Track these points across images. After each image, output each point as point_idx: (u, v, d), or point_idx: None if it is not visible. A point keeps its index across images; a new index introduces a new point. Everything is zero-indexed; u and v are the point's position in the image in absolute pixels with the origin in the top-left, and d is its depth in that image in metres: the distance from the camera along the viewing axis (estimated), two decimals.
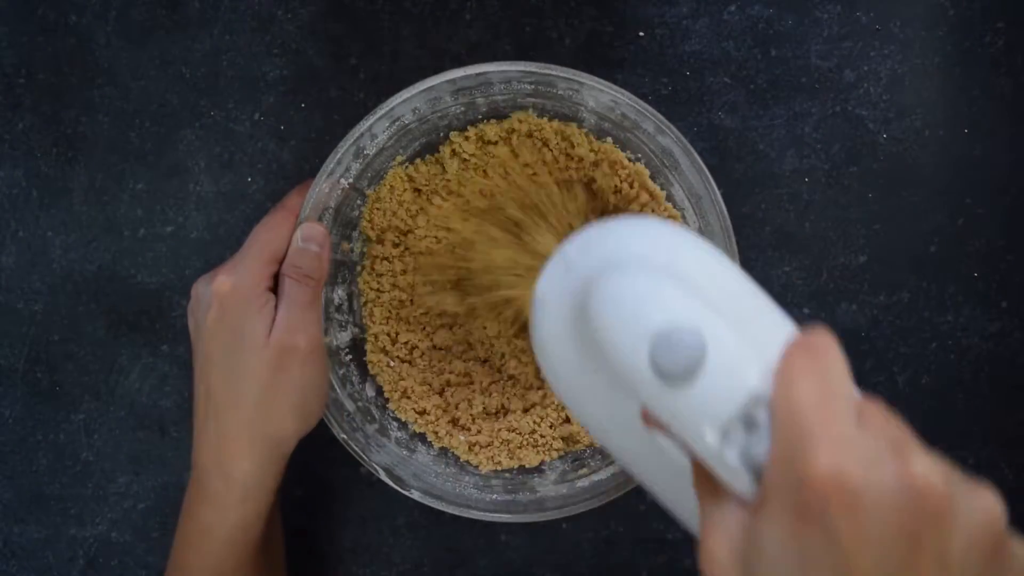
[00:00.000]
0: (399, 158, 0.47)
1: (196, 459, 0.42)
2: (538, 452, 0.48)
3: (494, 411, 0.49)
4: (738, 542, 0.24)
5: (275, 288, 0.43)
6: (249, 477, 0.41)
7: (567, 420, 0.49)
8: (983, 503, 0.22)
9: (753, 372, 0.25)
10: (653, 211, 0.47)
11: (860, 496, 0.21)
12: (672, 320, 0.26)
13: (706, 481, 0.26)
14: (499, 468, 0.48)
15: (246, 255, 0.42)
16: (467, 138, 0.47)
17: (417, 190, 0.48)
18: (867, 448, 0.22)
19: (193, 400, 0.43)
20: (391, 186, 0.48)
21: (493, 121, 0.47)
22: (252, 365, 0.40)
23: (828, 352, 0.25)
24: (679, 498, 0.30)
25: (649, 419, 0.27)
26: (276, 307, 0.42)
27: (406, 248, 0.48)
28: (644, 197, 0.47)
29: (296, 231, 0.43)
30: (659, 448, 0.28)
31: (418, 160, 0.48)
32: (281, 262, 0.43)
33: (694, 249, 0.29)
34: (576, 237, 0.32)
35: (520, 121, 0.47)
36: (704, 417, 0.25)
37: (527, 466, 0.49)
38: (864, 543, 0.21)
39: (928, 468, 0.22)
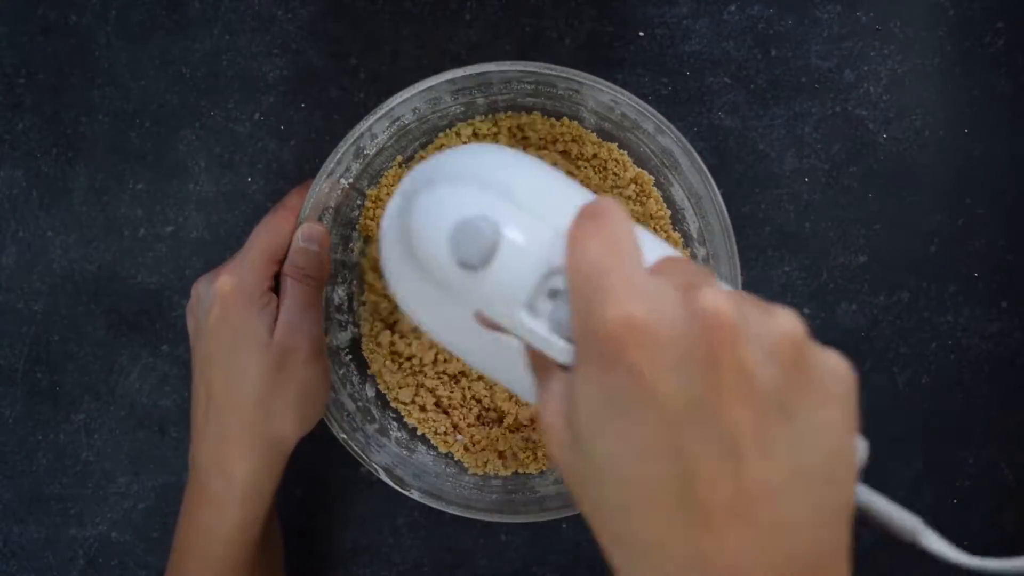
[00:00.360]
0: (399, 158, 0.48)
1: (195, 459, 0.42)
2: (537, 462, 0.48)
3: (489, 421, 0.49)
4: (565, 405, 0.25)
5: (276, 288, 0.43)
6: (249, 478, 0.41)
7: None
8: (778, 319, 0.23)
9: (549, 246, 0.27)
10: (653, 216, 0.47)
11: (650, 332, 0.22)
12: (466, 214, 0.28)
13: (535, 358, 0.28)
14: (495, 473, 0.48)
15: (247, 255, 0.42)
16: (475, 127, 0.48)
17: None
18: (656, 290, 0.23)
19: (192, 400, 0.43)
20: (391, 186, 0.48)
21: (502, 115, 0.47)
22: (254, 365, 0.40)
23: (609, 212, 0.26)
24: (523, 383, 0.32)
25: (482, 320, 0.29)
26: (277, 307, 0.42)
27: None
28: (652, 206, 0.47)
29: (296, 231, 0.43)
30: (496, 342, 0.30)
31: (431, 143, 0.48)
32: (282, 262, 0.43)
33: (500, 159, 0.32)
34: (414, 169, 0.35)
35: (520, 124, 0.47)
36: (509, 295, 0.27)
37: (521, 472, 0.49)
38: (663, 374, 0.22)
39: (715, 297, 0.22)
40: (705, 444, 0.22)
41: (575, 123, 0.47)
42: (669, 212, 0.47)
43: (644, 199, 0.47)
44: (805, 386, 0.22)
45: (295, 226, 0.44)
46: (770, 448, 0.22)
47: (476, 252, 0.27)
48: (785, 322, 0.23)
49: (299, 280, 0.42)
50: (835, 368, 0.23)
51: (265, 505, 0.42)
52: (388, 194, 0.48)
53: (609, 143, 0.47)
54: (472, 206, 0.28)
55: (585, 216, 0.26)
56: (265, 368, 0.40)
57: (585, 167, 0.47)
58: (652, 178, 0.47)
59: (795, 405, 0.22)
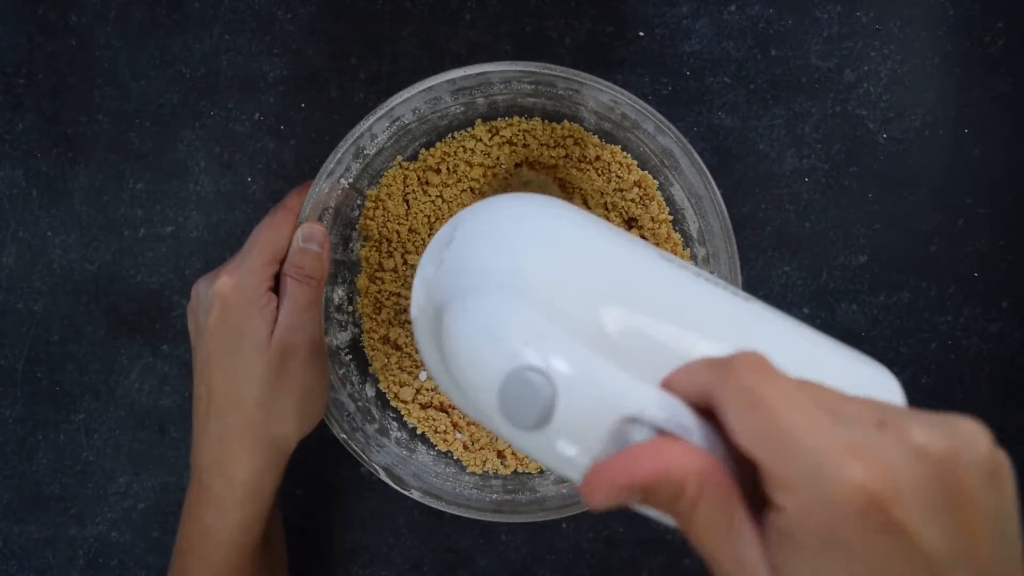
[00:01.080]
0: (399, 158, 0.48)
1: (196, 460, 0.42)
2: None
3: None
4: None
5: (276, 288, 0.43)
6: (250, 478, 0.41)
7: None
8: (969, 431, 0.23)
9: (617, 393, 0.24)
10: (654, 219, 0.47)
11: (898, 487, 0.22)
12: (514, 364, 0.24)
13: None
14: (495, 471, 0.48)
15: (248, 255, 0.42)
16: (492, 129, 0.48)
17: (426, 181, 0.48)
18: (870, 440, 0.22)
19: (193, 400, 0.43)
20: (391, 186, 0.48)
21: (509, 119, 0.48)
22: (254, 365, 0.40)
23: (770, 366, 0.24)
24: (559, 467, 0.28)
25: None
26: (277, 307, 0.42)
27: (405, 248, 0.48)
28: (655, 209, 0.47)
29: (296, 231, 0.43)
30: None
31: (432, 147, 0.48)
32: (282, 262, 0.43)
33: (546, 253, 0.26)
34: (432, 246, 0.30)
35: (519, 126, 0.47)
36: (572, 453, 0.24)
37: (521, 471, 0.49)
38: (923, 525, 0.22)
39: (921, 432, 0.22)
40: None
41: (577, 126, 0.47)
42: (670, 213, 0.47)
43: (648, 202, 0.47)
44: (1006, 490, 0.23)
45: (295, 226, 0.44)
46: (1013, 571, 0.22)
47: (530, 414, 0.23)
48: (980, 436, 0.23)
49: (299, 280, 0.42)
50: (1004, 459, 0.24)
51: (266, 505, 0.42)
52: (388, 195, 0.48)
53: (612, 146, 0.47)
54: (521, 349, 0.24)
55: (748, 371, 0.24)
56: (265, 368, 0.40)
57: (588, 169, 0.47)
58: (656, 181, 0.47)
59: (1013, 518, 0.23)
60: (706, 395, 0.25)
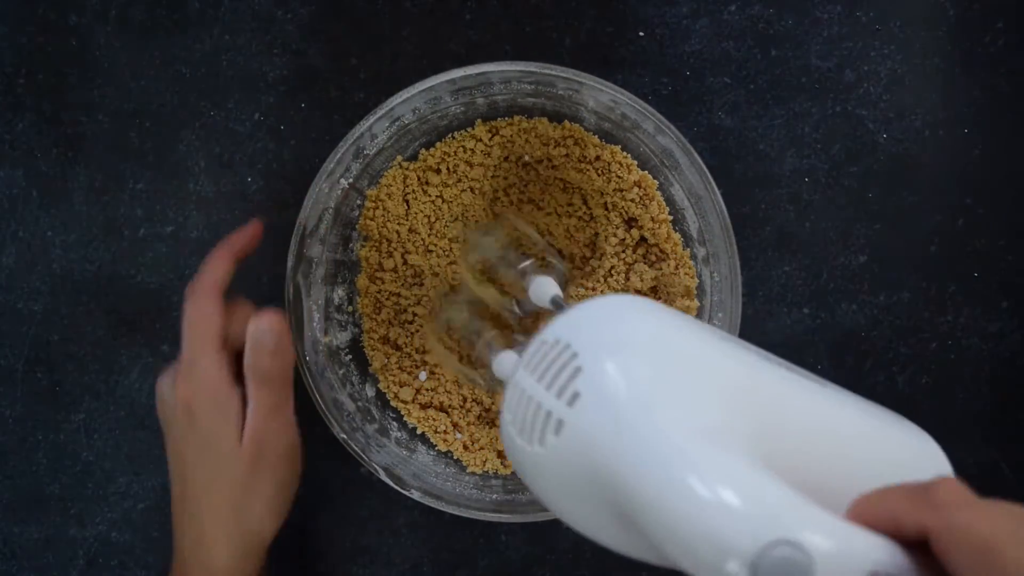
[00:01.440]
0: (399, 158, 0.48)
1: (177, 548, 0.42)
2: None
3: (489, 420, 0.49)
4: None
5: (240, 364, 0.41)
6: (230, 566, 0.41)
7: None
8: None
9: (863, 553, 0.23)
10: (655, 219, 0.47)
11: None
12: (765, 537, 0.22)
13: None
14: (495, 472, 0.48)
15: (192, 354, 0.41)
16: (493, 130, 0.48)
17: (426, 182, 0.48)
18: None
19: (171, 483, 0.42)
20: (391, 186, 0.48)
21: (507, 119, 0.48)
22: (225, 470, 0.40)
23: (975, 500, 0.25)
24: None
25: None
26: (244, 398, 0.41)
27: (405, 248, 0.48)
28: (655, 209, 0.47)
29: (250, 325, 0.40)
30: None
31: (432, 147, 0.48)
32: (228, 337, 0.41)
33: (714, 385, 0.25)
34: (539, 367, 0.27)
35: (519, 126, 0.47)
36: None
37: None
38: None
39: None
40: None
41: (577, 126, 0.47)
42: (670, 213, 0.47)
43: (648, 202, 0.47)
44: None
45: (221, 301, 0.41)
46: None
47: None
48: None
49: (261, 384, 0.40)
50: None
51: None
52: (388, 194, 0.48)
53: (612, 146, 0.47)
54: (771, 520, 0.22)
55: (958, 506, 0.25)
56: (237, 472, 0.40)
57: (588, 170, 0.47)
58: (656, 181, 0.47)
59: None
60: (912, 528, 0.25)
